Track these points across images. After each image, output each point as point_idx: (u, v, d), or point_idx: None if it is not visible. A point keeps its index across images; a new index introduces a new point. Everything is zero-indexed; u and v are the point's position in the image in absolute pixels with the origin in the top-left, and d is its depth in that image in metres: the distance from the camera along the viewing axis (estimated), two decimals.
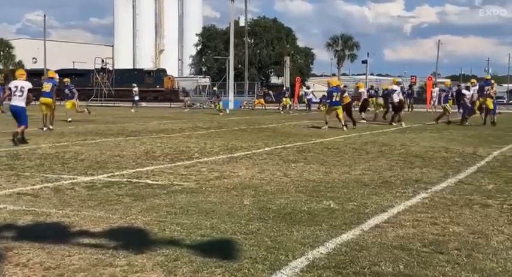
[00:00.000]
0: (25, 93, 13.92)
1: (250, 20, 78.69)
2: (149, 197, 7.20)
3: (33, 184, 8.13)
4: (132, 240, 5.19)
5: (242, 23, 63.09)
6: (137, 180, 8.55)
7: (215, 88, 48.19)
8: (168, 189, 7.83)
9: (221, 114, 33.64)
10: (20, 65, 71.76)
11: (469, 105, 23.68)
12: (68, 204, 6.74)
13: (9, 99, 14.70)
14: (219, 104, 36.95)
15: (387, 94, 25.10)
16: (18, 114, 14.01)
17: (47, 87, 18.98)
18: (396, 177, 9.06)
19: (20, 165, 10.10)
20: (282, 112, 38.34)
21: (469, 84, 25.40)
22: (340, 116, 20.33)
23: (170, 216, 6.11)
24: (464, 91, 24.26)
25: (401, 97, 24.00)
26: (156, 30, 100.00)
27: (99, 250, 4.83)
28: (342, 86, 22.26)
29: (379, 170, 9.79)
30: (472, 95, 23.69)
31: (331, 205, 6.75)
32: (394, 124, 22.60)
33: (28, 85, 14.11)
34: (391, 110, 24.89)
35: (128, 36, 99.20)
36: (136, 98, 42.37)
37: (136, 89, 42.86)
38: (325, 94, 24.93)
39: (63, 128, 19.34)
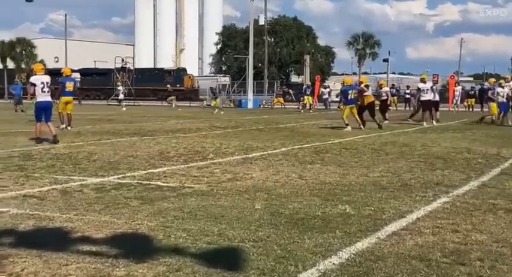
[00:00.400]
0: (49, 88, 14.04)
1: (270, 18, 78.59)
2: (158, 200, 6.95)
3: (41, 186, 7.92)
4: (135, 247, 4.95)
5: (262, 22, 62.78)
6: (148, 182, 8.31)
7: (211, 86, 48.32)
8: (178, 191, 7.57)
9: (214, 112, 33.60)
10: (42, 63, 72.05)
11: (505, 101, 22.90)
12: (73, 208, 6.50)
13: (32, 96, 14.57)
14: (215, 101, 37.32)
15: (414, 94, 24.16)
16: (47, 109, 14.07)
17: (70, 86, 18.94)
18: (416, 179, 8.71)
19: (31, 166, 9.91)
20: (302, 111, 37.98)
21: (501, 81, 24.56)
22: (356, 115, 19.80)
23: (177, 221, 5.85)
24: (498, 89, 23.40)
25: (430, 95, 22.93)
26: (177, 29, 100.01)
27: (98, 258, 4.57)
28: (363, 85, 21.34)
29: (398, 172, 9.45)
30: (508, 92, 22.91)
31: (347, 210, 6.44)
32: (425, 124, 21.90)
33: (49, 79, 14.17)
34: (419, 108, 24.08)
35: (149, 35, 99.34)
36: (121, 96, 43.00)
37: (121, 88, 43.86)
38: (340, 93, 23.98)
39: (81, 128, 19.19)
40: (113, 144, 13.99)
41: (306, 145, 13.89)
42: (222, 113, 33.60)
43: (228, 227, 5.63)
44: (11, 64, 74.10)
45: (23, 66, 72.20)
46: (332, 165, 10.29)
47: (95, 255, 4.67)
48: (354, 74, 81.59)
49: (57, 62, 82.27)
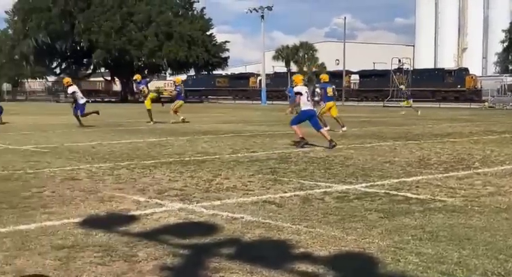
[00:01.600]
0: None
1: None
2: (399, 215, 6.26)
3: (285, 192, 7.73)
4: (354, 271, 4.38)
5: None
6: (396, 192, 7.64)
7: (402, 86, 46.07)
8: (426, 205, 6.78)
9: (403, 113, 33.47)
10: (322, 66, 74.66)
11: None
12: (307, 218, 6.13)
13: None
14: (407, 101, 37.32)
15: None
16: (312, 117, 14.13)
17: (330, 91, 19.34)
18: None
19: (283, 169, 9.84)
20: None
21: None
22: None
23: (413, 242, 5.12)
24: None
25: None
26: (459, 27, 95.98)
27: None
28: None
29: None
30: None
31: None
32: None
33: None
34: None
35: (430, 35, 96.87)
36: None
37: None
38: None
39: (347, 130, 18.98)
40: (373, 148, 13.47)
41: None
42: (418, 113, 32.71)
43: (472, 254, 4.75)
44: (294, 67, 77.96)
45: (305, 69, 75.36)
46: None
47: (305, 276, 4.21)
48: None
49: (337, 64, 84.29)
